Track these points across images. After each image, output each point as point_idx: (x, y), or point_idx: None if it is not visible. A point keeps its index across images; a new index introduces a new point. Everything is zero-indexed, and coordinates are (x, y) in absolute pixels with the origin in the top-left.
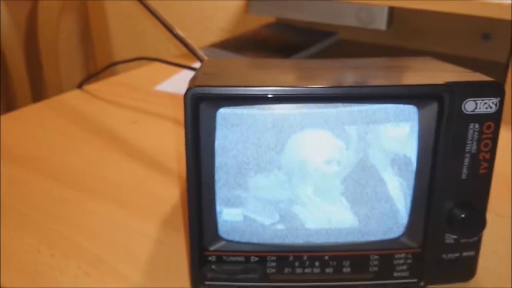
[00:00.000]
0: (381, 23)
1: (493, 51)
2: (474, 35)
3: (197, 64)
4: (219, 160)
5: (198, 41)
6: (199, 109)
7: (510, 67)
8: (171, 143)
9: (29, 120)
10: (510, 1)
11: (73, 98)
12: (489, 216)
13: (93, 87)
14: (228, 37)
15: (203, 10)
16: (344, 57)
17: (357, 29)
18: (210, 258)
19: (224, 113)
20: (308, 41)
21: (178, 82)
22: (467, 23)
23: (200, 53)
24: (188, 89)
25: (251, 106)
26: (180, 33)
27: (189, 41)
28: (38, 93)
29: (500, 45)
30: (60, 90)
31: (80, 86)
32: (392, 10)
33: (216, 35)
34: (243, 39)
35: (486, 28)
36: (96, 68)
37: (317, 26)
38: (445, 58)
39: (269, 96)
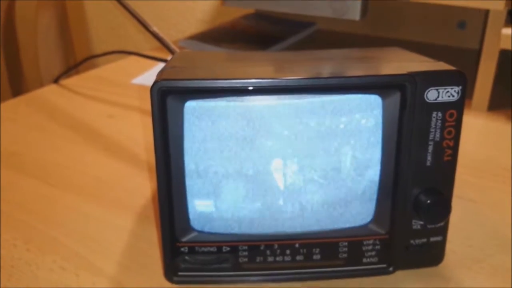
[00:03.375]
0: (355, 14)
1: (469, 39)
2: (449, 24)
3: None
4: (188, 152)
5: (178, 33)
6: (166, 103)
7: (482, 55)
8: (147, 136)
9: (5, 116)
10: None
11: (49, 93)
12: (460, 201)
13: (69, 81)
14: (207, 28)
15: (182, 1)
16: (322, 47)
17: (334, 19)
18: (182, 249)
19: (192, 106)
20: (286, 31)
21: (155, 75)
22: (443, 12)
23: (173, 46)
24: (155, 83)
25: (219, 99)
26: (155, 27)
27: (169, 32)
28: (18, 89)
29: (475, 33)
30: (40, 85)
31: (56, 80)
32: (366, 1)
33: (195, 26)
34: (221, 31)
35: (461, 16)
36: (76, 62)
37: (295, 17)
38: (421, 46)
39: (236, 88)
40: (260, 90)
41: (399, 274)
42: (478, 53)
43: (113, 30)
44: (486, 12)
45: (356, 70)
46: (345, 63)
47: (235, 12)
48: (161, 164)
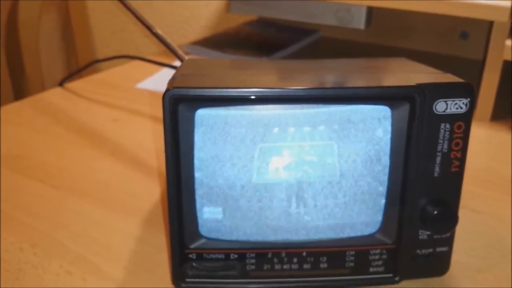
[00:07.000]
0: (360, 23)
1: (471, 49)
2: (452, 34)
3: (177, 63)
4: (198, 159)
5: (181, 38)
6: (178, 110)
7: (485, 66)
8: (152, 141)
9: (9, 119)
10: (487, 2)
11: (54, 96)
12: (464, 211)
13: (74, 85)
14: (210, 34)
15: (186, 8)
16: (325, 55)
17: (338, 27)
18: (190, 256)
19: (202, 114)
20: (289, 39)
21: (159, 80)
22: (446, 22)
23: (180, 52)
24: (167, 91)
25: (229, 107)
26: (161, 32)
27: (173, 38)
28: (20, 91)
29: (478, 44)
30: (42, 88)
31: (61, 84)
32: (370, 10)
33: (199, 32)
34: (224, 37)
35: (464, 27)
36: (78, 65)
37: (298, 24)
38: (424, 56)
39: (247, 97)
40: (271, 99)
41: (405, 283)
42: (481, 64)
43: (116, 34)
44: (490, 23)
45: (365, 81)
46: (355, 73)
47: (238, 19)
48: (171, 171)
